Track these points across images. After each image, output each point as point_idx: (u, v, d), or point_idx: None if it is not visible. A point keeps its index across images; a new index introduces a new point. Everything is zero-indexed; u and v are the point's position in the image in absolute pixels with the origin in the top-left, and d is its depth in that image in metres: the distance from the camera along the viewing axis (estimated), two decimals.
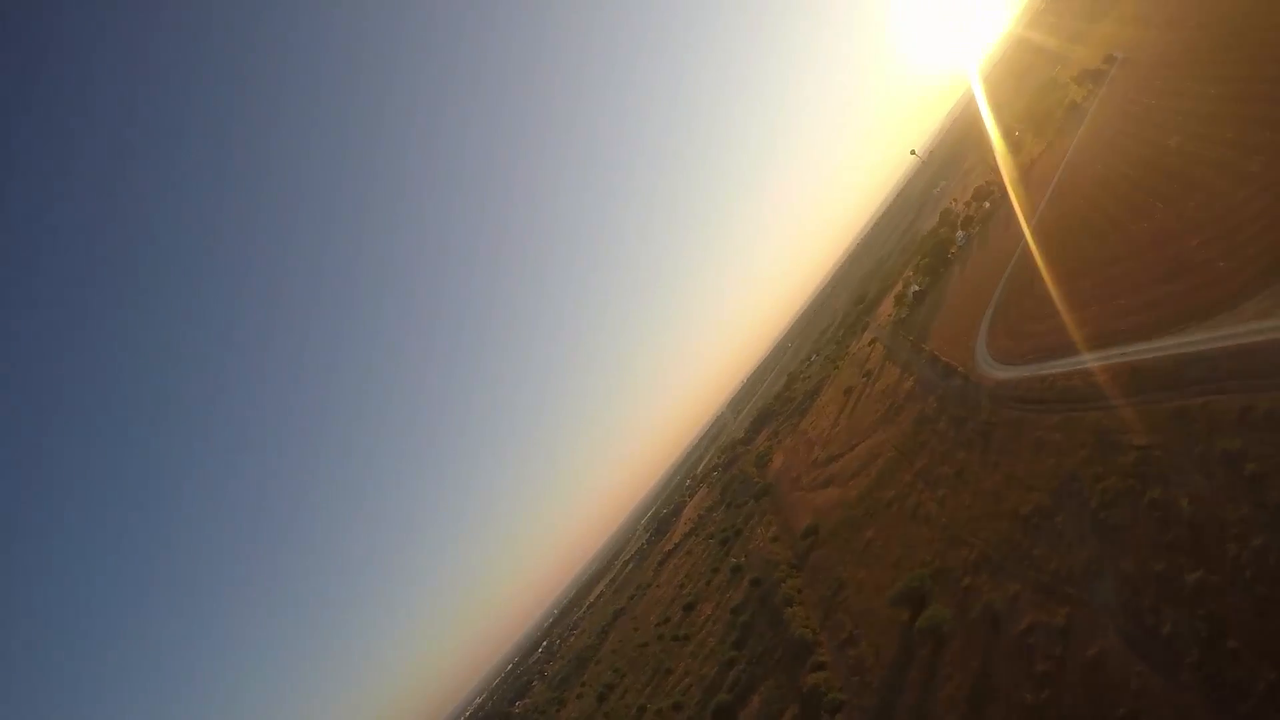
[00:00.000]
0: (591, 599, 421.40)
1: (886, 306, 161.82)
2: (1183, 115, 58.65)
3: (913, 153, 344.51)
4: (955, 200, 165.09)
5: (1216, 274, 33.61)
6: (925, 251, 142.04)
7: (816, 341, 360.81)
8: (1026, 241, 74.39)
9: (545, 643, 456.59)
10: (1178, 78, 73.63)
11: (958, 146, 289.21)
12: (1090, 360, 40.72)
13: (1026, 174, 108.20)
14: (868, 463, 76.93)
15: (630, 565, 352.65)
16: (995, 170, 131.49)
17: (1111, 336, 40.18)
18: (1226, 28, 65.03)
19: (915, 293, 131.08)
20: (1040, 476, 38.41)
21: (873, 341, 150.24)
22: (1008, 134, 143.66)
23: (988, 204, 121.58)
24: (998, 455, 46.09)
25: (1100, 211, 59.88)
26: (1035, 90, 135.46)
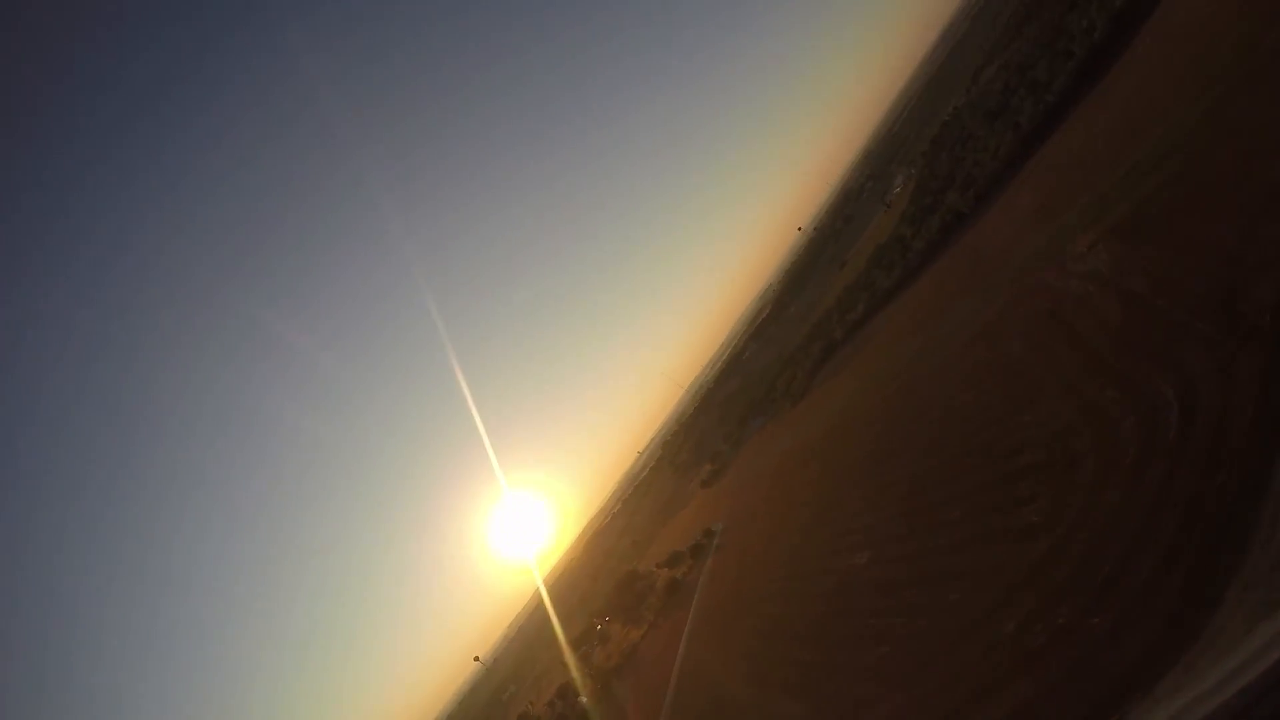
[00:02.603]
0: None
1: None
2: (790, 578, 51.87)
3: (476, 659, 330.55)
4: (531, 703, 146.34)
5: None
6: None
7: None
8: None
9: None
10: (778, 546, 72.29)
11: (527, 650, 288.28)
12: None
13: (628, 661, 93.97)
14: None
15: None
16: (573, 667, 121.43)
17: None
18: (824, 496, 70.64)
19: None
20: None
21: None
22: (589, 630, 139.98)
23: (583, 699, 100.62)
24: None
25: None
26: (619, 580, 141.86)
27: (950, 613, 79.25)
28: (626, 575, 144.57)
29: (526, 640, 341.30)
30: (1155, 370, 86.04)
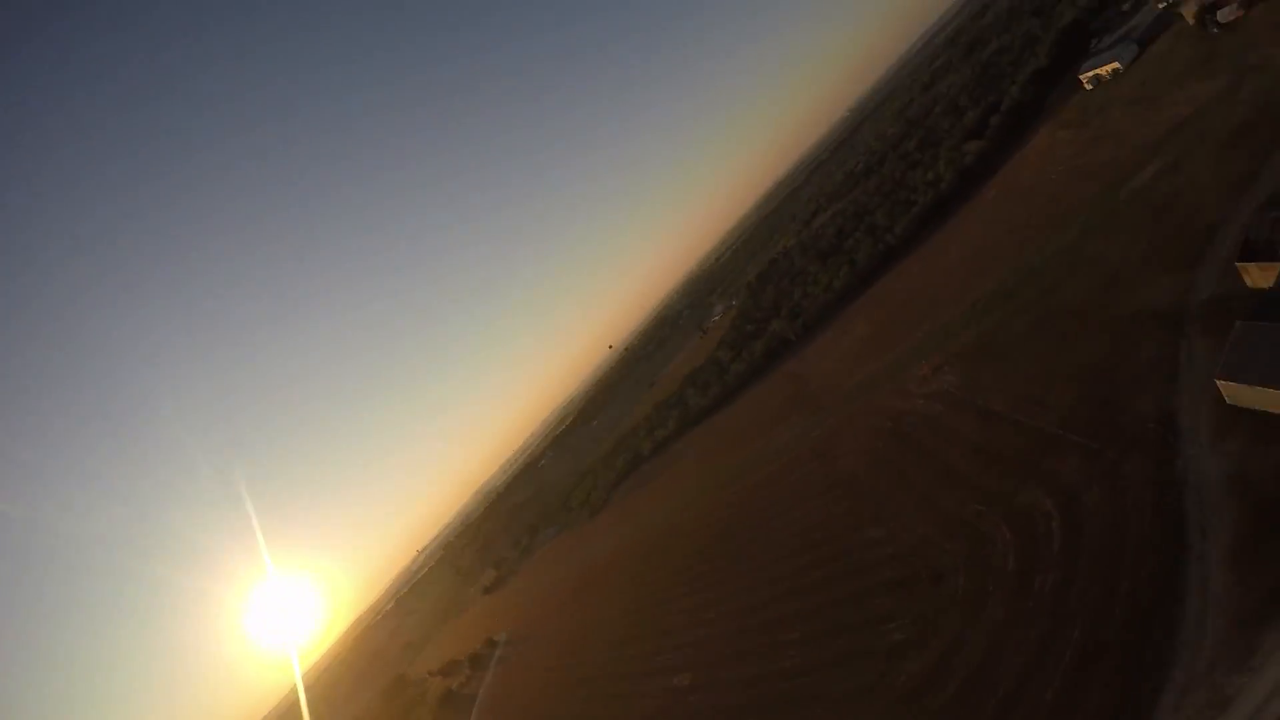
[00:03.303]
0: None
1: None
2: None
3: None
4: None
5: None
6: None
7: None
8: None
9: None
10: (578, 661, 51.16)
11: None
12: None
13: None
14: None
15: None
16: None
17: None
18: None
19: None
20: None
21: None
22: None
23: None
24: None
25: None
26: (386, 685, 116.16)
27: None
28: (395, 681, 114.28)
29: None
30: (1026, 483, 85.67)
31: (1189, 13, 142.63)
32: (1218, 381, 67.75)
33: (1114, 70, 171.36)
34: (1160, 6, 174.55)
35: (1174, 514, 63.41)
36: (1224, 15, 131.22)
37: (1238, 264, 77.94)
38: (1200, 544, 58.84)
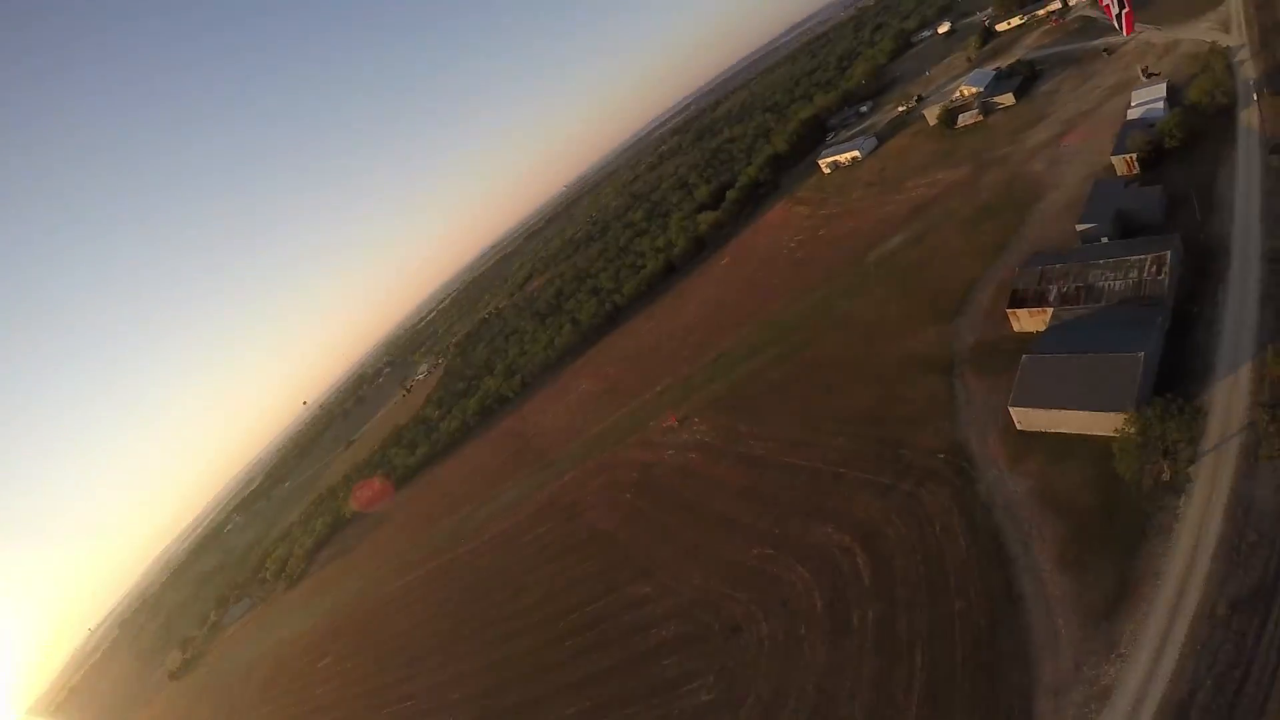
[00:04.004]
0: None
1: None
2: None
3: None
4: None
5: None
6: None
7: None
8: None
9: None
10: None
11: None
12: None
13: None
14: None
15: None
16: None
17: None
18: None
19: None
20: None
21: None
22: None
23: None
24: None
25: None
26: None
27: None
28: None
29: None
30: (813, 522, 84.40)
31: (931, 115, 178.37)
32: (1011, 409, 73.96)
33: (853, 158, 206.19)
34: (900, 109, 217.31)
35: (989, 533, 65.03)
36: (963, 119, 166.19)
37: (1007, 310, 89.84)
38: (1025, 556, 60.07)
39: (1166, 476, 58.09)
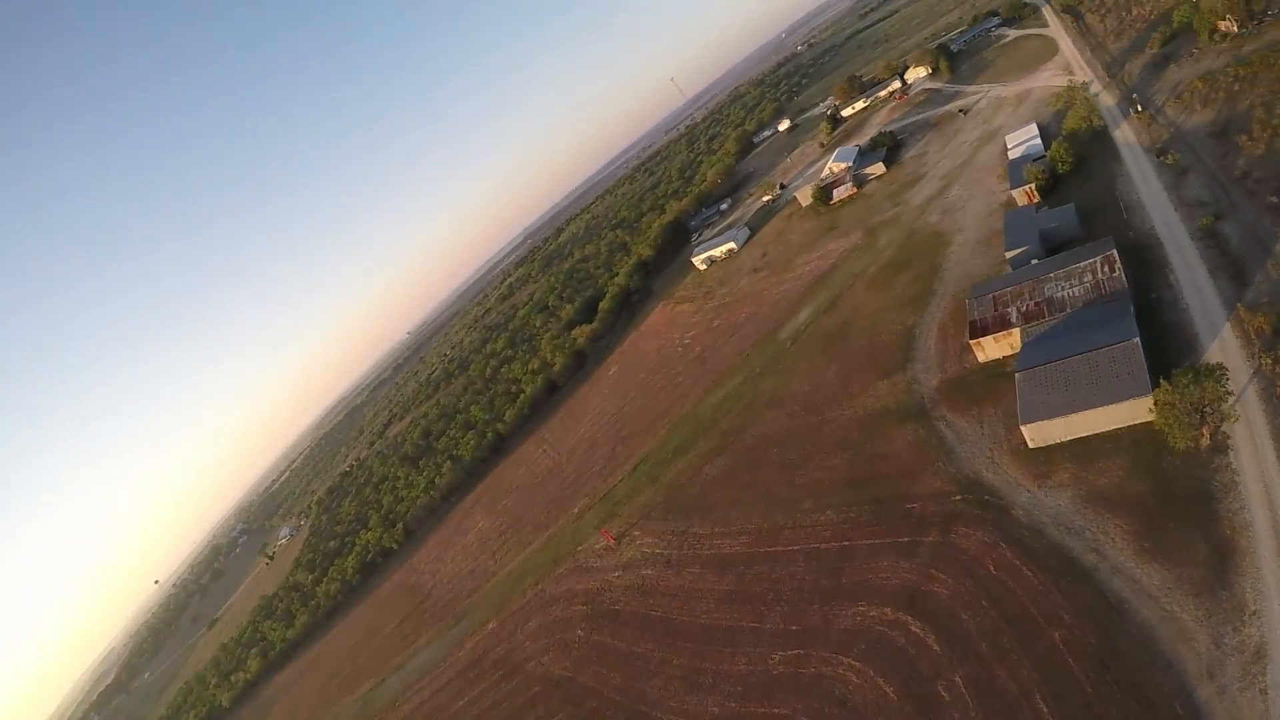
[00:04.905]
0: None
1: None
2: None
3: None
4: None
5: None
6: None
7: None
8: None
9: None
10: None
11: None
12: None
13: None
14: None
15: None
16: None
17: None
18: None
19: None
20: None
21: None
22: None
23: None
24: None
25: None
26: None
27: None
28: None
29: None
30: (836, 605, 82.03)
31: (804, 196, 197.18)
32: (1023, 428, 77.32)
33: (729, 250, 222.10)
34: (766, 199, 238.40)
35: (1052, 553, 65.22)
36: (839, 193, 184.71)
37: (970, 342, 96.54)
38: (1103, 561, 61.13)
39: (1207, 441, 63.59)
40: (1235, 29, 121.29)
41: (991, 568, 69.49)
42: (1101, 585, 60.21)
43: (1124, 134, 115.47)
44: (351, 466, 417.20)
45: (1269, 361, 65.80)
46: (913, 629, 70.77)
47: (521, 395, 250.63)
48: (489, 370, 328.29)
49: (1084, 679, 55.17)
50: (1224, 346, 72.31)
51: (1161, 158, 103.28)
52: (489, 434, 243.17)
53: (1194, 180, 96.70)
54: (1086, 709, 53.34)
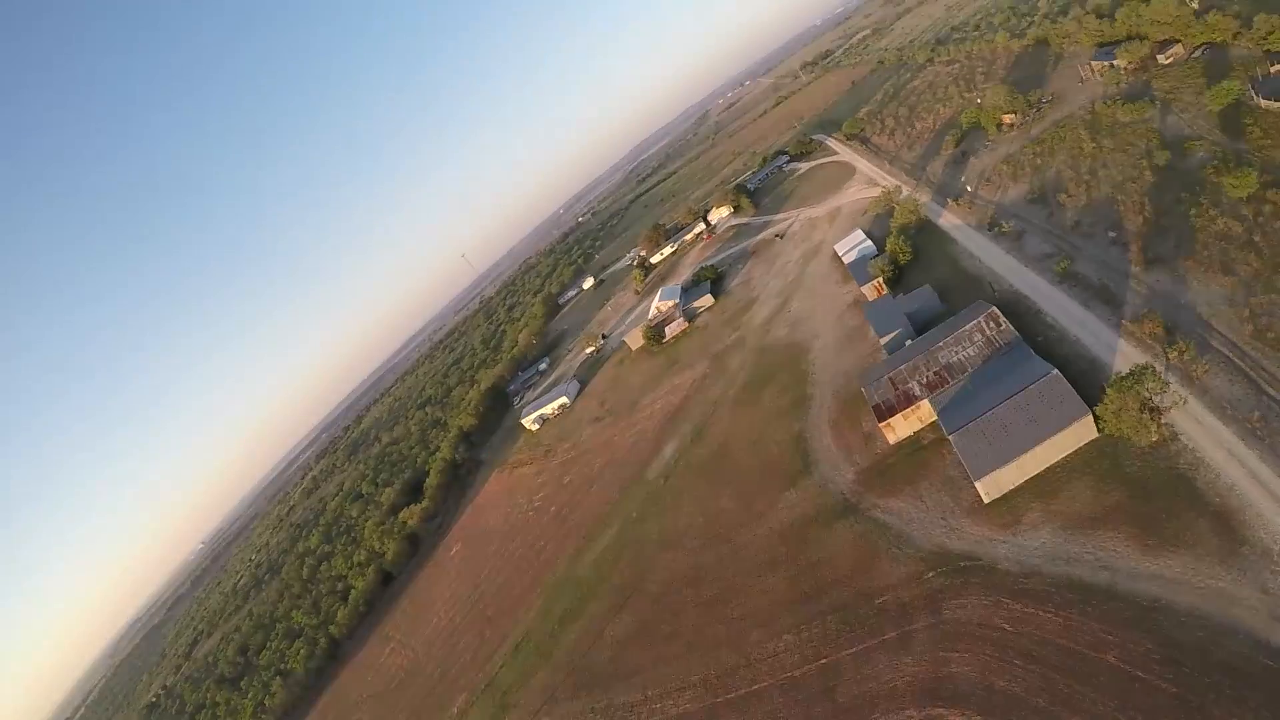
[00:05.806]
0: None
1: None
2: None
3: None
4: None
5: None
6: None
7: None
8: None
9: None
10: None
11: None
12: None
13: None
14: None
15: None
16: None
17: None
18: None
19: None
20: None
21: None
22: None
23: None
24: None
25: None
26: None
27: None
28: None
29: None
30: None
31: (634, 339, 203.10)
32: (977, 484, 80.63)
33: (562, 405, 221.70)
34: (590, 350, 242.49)
35: (1063, 586, 66.65)
36: (670, 330, 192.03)
37: (880, 426, 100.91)
38: (1117, 574, 65.26)
39: (1155, 436, 72.33)
40: (1019, 120, 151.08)
41: (1006, 625, 68.61)
42: (1128, 594, 63.07)
43: (949, 220, 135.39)
44: (158, 697, 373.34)
45: (1175, 353, 78.05)
46: (949, 716, 66.76)
47: (352, 592, 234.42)
48: (306, 570, 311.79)
49: (1162, 683, 55.99)
50: (1127, 358, 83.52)
51: (995, 229, 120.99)
52: (321, 640, 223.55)
53: (1032, 240, 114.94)
54: (1182, 704, 53.13)
